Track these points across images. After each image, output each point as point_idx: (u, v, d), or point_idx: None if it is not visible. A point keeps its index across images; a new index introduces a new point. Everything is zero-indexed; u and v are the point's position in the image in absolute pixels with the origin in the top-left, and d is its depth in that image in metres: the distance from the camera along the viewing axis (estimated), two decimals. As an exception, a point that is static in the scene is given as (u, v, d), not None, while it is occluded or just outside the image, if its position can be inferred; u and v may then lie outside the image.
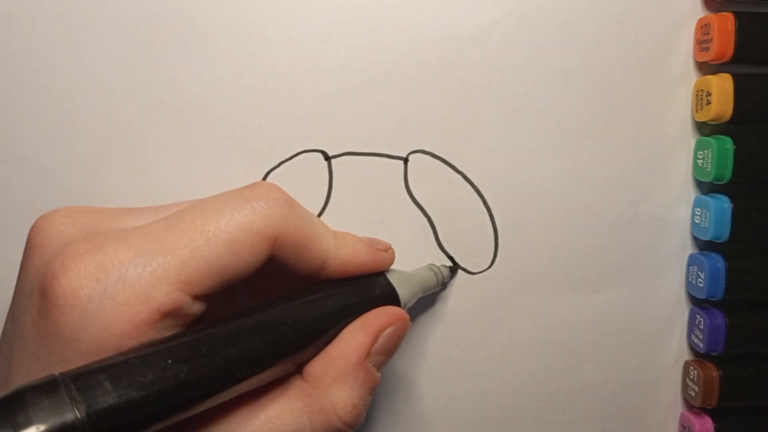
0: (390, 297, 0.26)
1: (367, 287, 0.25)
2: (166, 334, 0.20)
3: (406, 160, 0.30)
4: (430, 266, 0.29)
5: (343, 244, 0.25)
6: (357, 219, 0.30)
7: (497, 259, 0.31)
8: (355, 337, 0.23)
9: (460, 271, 0.31)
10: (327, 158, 0.30)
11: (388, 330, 0.24)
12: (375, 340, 0.24)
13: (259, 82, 0.29)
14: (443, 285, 0.30)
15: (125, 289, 0.19)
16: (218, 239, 0.21)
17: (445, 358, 0.31)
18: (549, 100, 0.30)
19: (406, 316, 0.25)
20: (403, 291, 0.26)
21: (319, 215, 0.30)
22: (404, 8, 0.29)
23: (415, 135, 0.30)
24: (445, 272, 0.30)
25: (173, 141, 0.29)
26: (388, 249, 0.27)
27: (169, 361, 0.18)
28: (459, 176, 0.30)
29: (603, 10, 0.30)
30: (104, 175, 0.29)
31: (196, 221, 0.21)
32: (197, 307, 0.21)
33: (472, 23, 0.29)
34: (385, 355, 0.24)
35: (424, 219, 0.30)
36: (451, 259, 0.30)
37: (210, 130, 0.29)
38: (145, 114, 0.29)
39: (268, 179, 0.30)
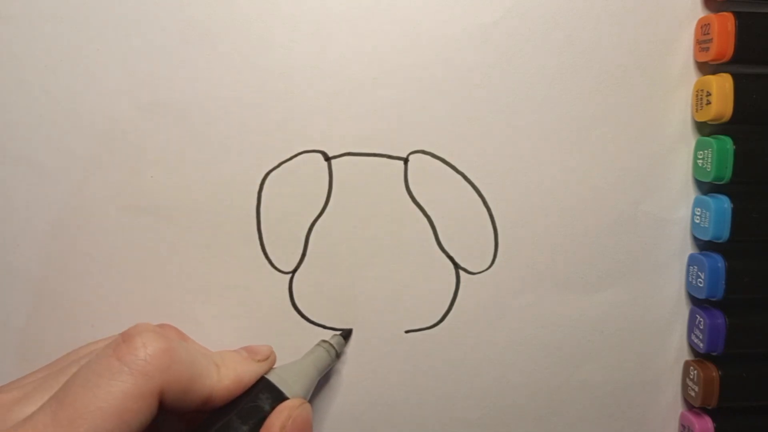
0: (278, 398, 0.26)
1: (253, 407, 0.25)
2: None
3: (406, 160, 0.30)
4: (320, 343, 0.29)
5: (225, 374, 0.25)
6: (357, 219, 0.30)
7: (497, 259, 0.31)
8: None
9: (460, 271, 0.31)
10: (327, 158, 0.30)
11: (288, 424, 0.25)
12: None
13: (258, 82, 0.29)
14: (338, 354, 0.30)
15: None
16: (104, 418, 0.21)
17: (445, 357, 0.31)
18: (549, 100, 0.30)
19: (296, 402, 0.26)
20: (293, 387, 0.27)
21: (319, 215, 0.30)
22: (404, 8, 0.29)
23: (415, 135, 0.30)
24: (338, 342, 0.30)
25: (173, 141, 0.29)
26: (267, 357, 0.27)
27: None
28: (459, 176, 0.30)
29: (603, 9, 0.30)
30: (104, 175, 0.29)
31: (77, 403, 0.21)
32: None
33: (472, 23, 0.29)
34: None
35: (424, 219, 0.30)
36: (451, 259, 0.30)
37: (209, 130, 0.29)
38: (144, 114, 0.29)
39: (268, 179, 0.30)
